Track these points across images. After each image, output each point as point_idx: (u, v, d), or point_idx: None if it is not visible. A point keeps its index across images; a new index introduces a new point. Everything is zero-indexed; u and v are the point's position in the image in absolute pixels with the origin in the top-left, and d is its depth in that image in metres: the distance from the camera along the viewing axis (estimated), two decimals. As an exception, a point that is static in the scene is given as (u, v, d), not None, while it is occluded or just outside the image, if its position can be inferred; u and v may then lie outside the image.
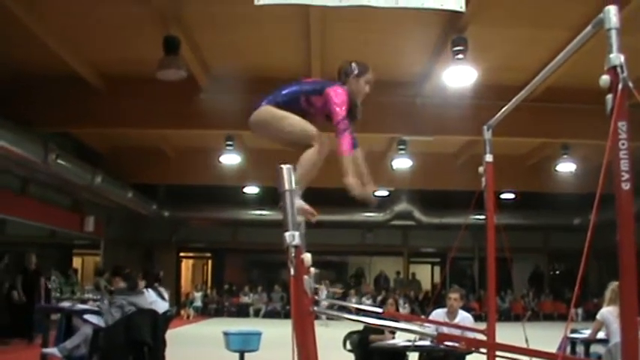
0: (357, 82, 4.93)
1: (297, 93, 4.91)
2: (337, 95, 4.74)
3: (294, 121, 4.78)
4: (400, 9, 7.72)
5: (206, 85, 13.34)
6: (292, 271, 3.38)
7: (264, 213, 25.46)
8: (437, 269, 31.92)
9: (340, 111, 4.70)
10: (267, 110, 4.84)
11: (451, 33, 10.61)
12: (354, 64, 4.92)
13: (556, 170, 18.61)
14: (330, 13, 9.71)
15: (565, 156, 17.79)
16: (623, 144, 3.06)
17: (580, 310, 25.89)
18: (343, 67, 4.98)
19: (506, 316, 25.37)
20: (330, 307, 13.02)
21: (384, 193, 25.04)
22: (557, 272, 29.69)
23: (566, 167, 18.23)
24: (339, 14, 9.56)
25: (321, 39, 11.23)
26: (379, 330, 9.39)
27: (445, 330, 7.20)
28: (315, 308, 3.59)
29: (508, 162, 18.23)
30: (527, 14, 10.45)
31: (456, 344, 5.59)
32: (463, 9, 7.86)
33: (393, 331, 9.06)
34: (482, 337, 5.91)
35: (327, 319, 10.74)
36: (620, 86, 3.12)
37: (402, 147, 17.22)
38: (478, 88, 12.35)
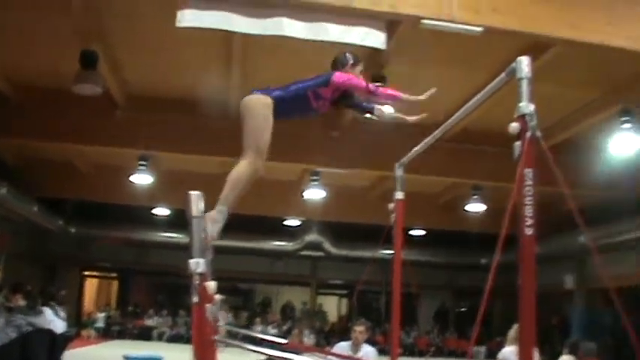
0: (353, 71, 5.10)
1: (303, 89, 5.00)
2: (344, 75, 4.98)
3: (263, 128, 4.84)
4: (322, 42, 7.79)
5: (123, 102, 13.15)
6: (195, 299, 3.35)
7: (173, 235, 25.05)
8: (344, 301, 32.00)
9: (359, 81, 4.98)
10: (258, 100, 4.86)
11: (371, 69, 10.75)
12: (348, 55, 5.09)
13: (466, 210, 18.99)
14: (253, 41, 9.71)
15: (475, 196, 18.19)
16: (528, 190, 3.14)
17: (483, 348, 26.30)
18: (338, 57, 5.20)
19: (411, 351, 25.59)
20: (235, 335, 12.87)
21: (295, 222, 25.06)
22: (463, 310, 30.10)
23: (476, 207, 18.62)
24: (262, 42, 9.58)
25: (243, 65, 11.24)
26: (283, 360, 9.32)
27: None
28: (217, 337, 3.56)
29: (420, 199, 18.49)
30: (447, 55, 10.68)
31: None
32: (384, 46, 8.00)
33: (296, 362, 9.01)
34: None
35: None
36: (528, 134, 3.21)
37: (315, 178, 17.27)
38: (396, 125, 12.50)
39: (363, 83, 4.87)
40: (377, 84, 4.89)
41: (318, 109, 5.00)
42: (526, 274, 3.16)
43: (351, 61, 5.06)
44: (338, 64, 5.10)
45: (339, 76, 4.89)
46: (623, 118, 12.23)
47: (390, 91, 4.88)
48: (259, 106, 4.79)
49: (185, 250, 3.75)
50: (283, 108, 4.82)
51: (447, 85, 11.72)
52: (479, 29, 7.85)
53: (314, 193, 18.08)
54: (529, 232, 3.13)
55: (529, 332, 3.20)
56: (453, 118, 4.56)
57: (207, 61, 11.57)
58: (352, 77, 4.89)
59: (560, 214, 18.75)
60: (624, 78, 11.26)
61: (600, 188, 16.50)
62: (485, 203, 18.39)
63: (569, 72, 11.17)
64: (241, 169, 4.66)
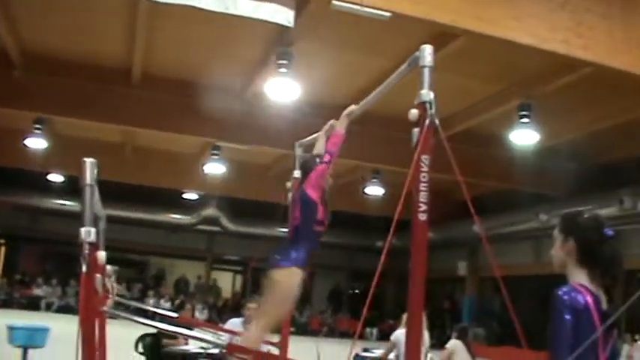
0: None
1: (310, 229, 4.97)
2: (312, 184, 4.82)
3: (287, 305, 4.86)
4: (229, 15, 7.70)
5: (21, 63, 12.69)
6: (84, 268, 3.27)
7: (67, 203, 24.44)
8: (239, 278, 31.96)
9: (321, 173, 4.78)
10: (290, 275, 4.83)
11: (278, 46, 10.71)
12: (317, 159, 4.84)
13: (365, 193, 19.21)
14: (160, 10, 9.53)
15: (375, 180, 18.42)
16: (424, 177, 3.19)
17: (375, 330, 26.75)
18: (307, 162, 5.00)
19: (304, 330, 25.76)
20: (127, 307, 12.71)
21: (192, 196, 24.82)
22: (357, 291, 30.50)
23: (374, 191, 18.87)
24: (169, 12, 9.41)
25: (147, 33, 11.00)
26: (173, 335, 9.26)
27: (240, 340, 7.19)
28: (106, 308, 3.49)
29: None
30: (355, 40, 10.74)
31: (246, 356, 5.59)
32: (291, 24, 7.96)
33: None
34: (275, 349, 5.96)
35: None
36: (427, 122, 3.24)
37: (215, 152, 17.15)
38: (300, 104, 12.51)
39: (324, 169, 4.76)
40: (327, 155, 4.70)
41: (324, 223, 5.04)
42: (417, 258, 3.20)
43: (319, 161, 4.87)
44: (308, 170, 4.93)
45: (312, 192, 4.80)
46: (523, 112, 12.58)
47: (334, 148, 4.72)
48: (292, 284, 4.80)
49: (78, 219, 3.67)
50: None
51: (353, 69, 11.86)
52: (388, 14, 7.90)
53: (214, 168, 17.97)
54: (422, 217, 3.18)
55: (417, 316, 3.25)
56: (361, 104, 4.57)
57: (111, 26, 11.28)
58: (316, 178, 4.75)
59: (458, 201, 19.27)
60: (526, 73, 11.57)
61: (498, 179, 16.99)
62: (384, 187, 18.65)
63: (474, 64, 11.42)
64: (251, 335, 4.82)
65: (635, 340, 16.95)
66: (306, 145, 5.81)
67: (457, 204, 18.27)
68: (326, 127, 5.05)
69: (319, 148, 4.98)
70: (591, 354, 2.60)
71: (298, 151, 5.84)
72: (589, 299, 2.69)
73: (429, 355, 9.27)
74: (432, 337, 10.00)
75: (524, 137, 13.13)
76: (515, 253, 21.35)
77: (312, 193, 4.79)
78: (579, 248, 2.85)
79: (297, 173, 5.74)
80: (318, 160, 4.83)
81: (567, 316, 2.63)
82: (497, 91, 12.71)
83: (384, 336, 20.88)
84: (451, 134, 13.71)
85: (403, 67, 3.65)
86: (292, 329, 22.71)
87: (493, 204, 20.14)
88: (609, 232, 2.89)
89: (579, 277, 2.82)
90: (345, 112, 4.75)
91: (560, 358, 2.60)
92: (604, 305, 2.74)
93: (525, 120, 12.60)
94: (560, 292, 2.70)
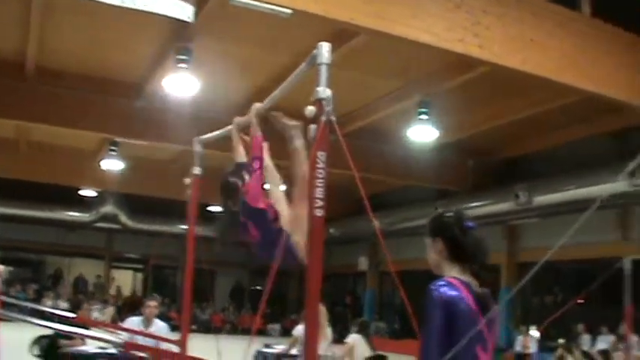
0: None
1: (272, 234, 4.42)
2: (252, 193, 4.41)
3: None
4: (127, 9, 7.55)
5: None
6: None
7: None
8: (139, 276, 31.46)
9: (256, 184, 4.44)
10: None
11: (177, 41, 10.58)
12: (244, 171, 4.51)
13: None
14: (55, 2, 9.27)
15: (276, 176, 18.42)
16: (320, 173, 3.19)
17: (278, 326, 26.81)
18: (231, 182, 4.54)
19: (206, 327, 25.52)
20: (22, 309, 12.33)
21: (90, 193, 24.25)
22: (259, 288, 30.44)
23: (275, 187, 18.86)
24: (64, 4, 9.17)
25: (42, 26, 10.65)
26: (70, 335, 9.05)
27: (140, 339, 7.08)
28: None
29: (219, 175, 18.51)
30: (255, 36, 10.69)
31: (144, 354, 5.52)
32: (191, 19, 7.86)
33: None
34: (176, 347, 5.88)
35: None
36: (323, 118, 3.25)
37: (113, 148, 16.79)
38: (199, 100, 12.39)
39: (258, 175, 4.47)
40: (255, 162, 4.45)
41: (277, 216, 4.54)
42: (314, 254, 3.21)
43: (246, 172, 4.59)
44: (233, 186, 4.50)
45: (256, 202, 4.39)
46: (421, 109, 12.79)
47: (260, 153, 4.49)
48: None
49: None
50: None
51: (254, 65, 11.82)
52: (288, 11, 7.88)
53: (112, 164, 17.59)
54: (319, 213, 3.18)
55: (314, 310, 3.26)
56: (265, 101, 4.54)
57: (2, 19, 10.88)
58: (253, 188, 4.44)
59: (359, 197, 19.31)
60: (425, 71, 11.75)
61: (398, 175, 17.23)
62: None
63: (374, 61, 11.55)
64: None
65: (529, 331, 17.49)
66: (206, 142, 5.75)
67: (359, 200, 18.40)
68: (232, 126, 4.95)
69: (240, 155, 4.80)
70: (475, 340, 2.77)
71: (197, 148, 5.77)
72: (462, 289, 2.89)
73: (331, 350, 9.33)
74: (333, 331, 10.07)
75: (423, 134, 13.34)
76: (416, 248, 21.63)
77: (258, 203, 4.42)
78: (447, 245, 3.06)
79: (197, 170, 5.68)
80: (244, 171, 4.60)
81: (437, 311, 2.81)
82: (396, 88, 12.88)
83: (287, 332, 20.93)
84: (351, 130, 13.86)
85: (303, 65, 3.65)
86: (194, 327, 22.49)
87: (394, 200, 20.45)
88: (470, 224, 3.09)
89: (452, 272, 3.01)
90: (253, 112, 4.68)
91: (430, 349, 2.79)
92: (477, 290, 2.96)
93: (424, 117, 12.82)
94: (431, 287, 2.88)
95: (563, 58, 9.88)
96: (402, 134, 13.88)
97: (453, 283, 2.91)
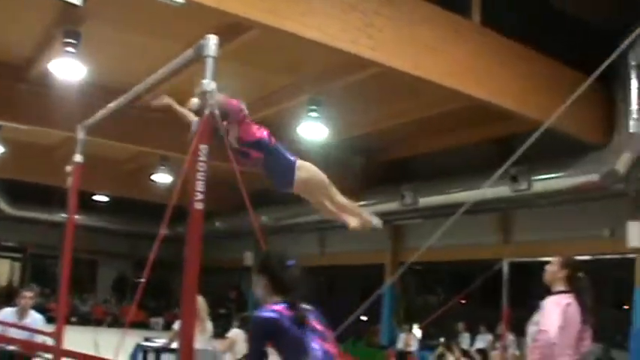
0: None
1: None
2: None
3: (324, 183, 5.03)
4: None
5: None
6: None
7: None
8: (18, 265, 30.41)
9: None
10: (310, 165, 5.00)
11: (65, 24, 10.28)
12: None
13: (152, 180, 18.88)
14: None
15: (162, 167, 18.16)
16: (201, 166, 3.17)
17: (161, 320, 26.49)
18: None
19: (87, 319, 24.93)
20: None
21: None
22: (142, 280, 29.91)
23: (162, 178, 18.59)
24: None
25: None
26: None
27: (13, 331, 6.83)
28: None
29: (106, 164, 18.13)
30: (146, 23, 10.50)
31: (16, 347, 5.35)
32: (80, 3, 7.67)
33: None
34: (51, 340, 5.73)
35: None
36: (206, 111, 3.23)
37: (-6, 132, 16.18)
38: (86, 86, 12.07)
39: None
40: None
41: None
42: (192, 247, 3.19)
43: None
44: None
45: (250, 135, 4.90)
46: (312, 107, 12.87)
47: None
48: (310, 167, 5.02)
49: None
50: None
51: (144, 53, 11.58)
52: (181, 1, 7.79)
53: (-8, 148, 16.95)
54: (199, 206, 3.16)
55: (191, 304, 3.25)
56: (139, 86, 4.48)
57: None
58: (244, 128, 4.92)
59: (248, 192, 19.28)
60: (317, 69, 11.81)
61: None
62: (171, 175, 18.44)
63: (267, 56, 11.51)
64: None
65: (412, 329, 17.87)
66: (91, 129, 5.62)
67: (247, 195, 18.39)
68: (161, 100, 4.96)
69: (189, 115, 4.93)
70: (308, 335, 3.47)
71: (80, 135, 5.63)
72: (282, 311, 3.46)
73: (211, 344, 9.28)
74: (216, 326, 10.00)
75: (313, 131, 13.43)
76: (303, 244, 21.87)
77: (255, 135, 4.91)
78: (270, 281, 3.61)
79: (78, 157, 5.54)
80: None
81: (258, 336, 3.48)
82: (288, 85, 12.89)
83: (170, 325, 20.70)
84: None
85: (186, 54, 3.61)
86: (73, 319, 21.92)
87: (281, 195, 20.44)
88: (290, 262, 3.66)
89: (274, 300, 3.55)
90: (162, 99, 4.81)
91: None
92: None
93: (315, 114, 12.90)
94: (255, 314, 3.56)
95: (455, 65, 10.11)
96: (293, 131, 13.92)
97: (273, 309, 3.47)
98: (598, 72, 2.91)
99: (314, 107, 12.83)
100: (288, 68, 12.07)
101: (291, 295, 3.52)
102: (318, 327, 3.56)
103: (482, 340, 15.76)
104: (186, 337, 3.26)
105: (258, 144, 4.81)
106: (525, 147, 2.91)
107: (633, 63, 11.62)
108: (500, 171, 3.03)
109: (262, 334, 3.45)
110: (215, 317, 13.45)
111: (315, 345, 3.43)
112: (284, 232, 21.04)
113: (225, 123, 4.50)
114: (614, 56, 2.87)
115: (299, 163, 4.82)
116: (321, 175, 4.92)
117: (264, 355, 3.46)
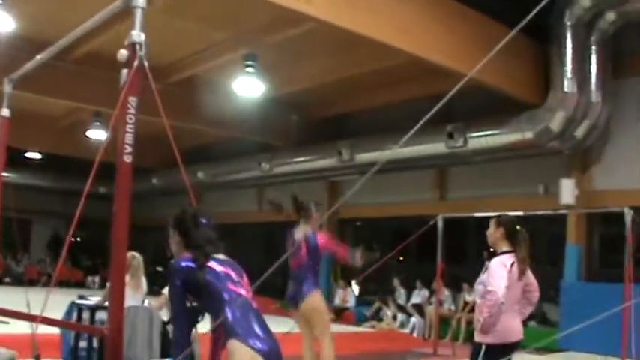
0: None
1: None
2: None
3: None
4: None
5: None
6: None
7: None
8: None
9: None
10: (321, 300, 7.07)
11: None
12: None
13: (87, 136, 18.53)
14: None
15: (97, 123, 17.82)
16: (130, 118, 3.11)
17: (97, 278, 26.31)
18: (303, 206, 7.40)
19: (20, 280, 24.52)
20: None
21: None
22: (78, 239, 29.53)
23: (97, 134, 18.25)
24: None
25: None
26: None
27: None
28: None
29: (40, 121, 17.74)
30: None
31: None
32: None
33: None
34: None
35: None
36: (135, 63, 3.17)
37: None
38: (15, 39, 11.73)
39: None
40: None
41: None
42: (121, 202, 3.15)
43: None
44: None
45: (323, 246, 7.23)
46: (248, 62, 12.75)
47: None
48: (317, 303, 7.09)
49: None
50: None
51: (75, 4, 11.26)
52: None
53: None
54: (128, 159, 3.12)
55: (121, 259, 3.23)
56: (65, 38, 4.36)
57: None
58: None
59: (183, 148, 19.11)
60: (252, 23, 11.67)
61: (223, 127, 17.10)
62: (106, 131, 18.11)
63: (202, 11, 11.33)
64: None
65: (349, 285, 18.05)
66: (20, 83, 5.47)
67: (183, 151, 18.19)
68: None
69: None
70: (223, 280, 3.70)
71: (7, 88, 5.47)
72: (190, 262, 3.68)
73: (146, 301, 9.21)
74: (154, 283, 9.94)
75: (249, 87, 13.32)
76: (240, 201, 21.83)
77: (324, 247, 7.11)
78: (182, 237, 3.85)
79: (5, 112, 5.40)
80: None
81: (177, 281, 3.66)
82: (223, 39, 12.72)
83: (106, 283, 20.51)
84: (178, 80, 13.62)
85: (116, 3, 3.52)
86: (7, 279, 21.60)
87: (220, 152, 20.35)
88: (203, 220, 3.93)
89: (186, 256, 3.76)
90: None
91: (177, 313, 3.73)
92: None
93: (250, 70, 12.79)
94: (171, 263, 3.77)
95: (391, 21, 10.07)
96: (229, 86, 13.79)
97: (185, 258, 3.72)
98: (523, 22, 2.95)
99: (250, 62, 12.71)
100: (223, 23, 11.90)
101: (201, 250, 3.70)
102: (233, 274, 3.74)
103: (419, 296, 15.98)
104: (116, 292, 3.24)
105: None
106: (449, 97, 2.92)
107: (569, 23, 11.77)
108: (416, 127, 3.06)
109: (180, 280, 3.64)
110: (151, 274, 13.38)
111: (230, 289, 3.64)
112: (222, 189, 20.94)
113: None
114: (540, 6, 2.89)
115: None
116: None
117: (185, 298, 3.68)
